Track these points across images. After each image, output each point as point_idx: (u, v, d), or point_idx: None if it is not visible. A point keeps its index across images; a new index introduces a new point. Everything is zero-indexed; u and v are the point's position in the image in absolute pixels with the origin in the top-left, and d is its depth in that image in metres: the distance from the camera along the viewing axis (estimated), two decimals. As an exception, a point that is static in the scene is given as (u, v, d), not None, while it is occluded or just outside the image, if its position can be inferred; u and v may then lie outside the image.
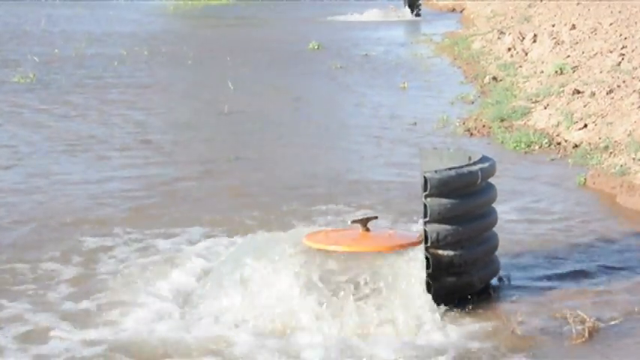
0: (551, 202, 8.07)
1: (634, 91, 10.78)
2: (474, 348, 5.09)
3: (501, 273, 6.03)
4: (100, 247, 6.82)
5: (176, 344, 5.15)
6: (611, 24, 16.78)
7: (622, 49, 13.80)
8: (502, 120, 11.37)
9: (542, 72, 14.02)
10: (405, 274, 5.43)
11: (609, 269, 6.32)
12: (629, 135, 9.47)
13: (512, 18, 22.96)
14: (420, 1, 30.77)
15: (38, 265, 6.44)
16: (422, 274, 5.38)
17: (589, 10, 20.08)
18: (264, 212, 7.68)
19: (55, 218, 7.60)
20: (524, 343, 5.17)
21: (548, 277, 6.15)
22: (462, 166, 5.65)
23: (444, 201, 5.45)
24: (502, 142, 10.42)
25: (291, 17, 30.37)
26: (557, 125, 10.69)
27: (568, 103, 11.27)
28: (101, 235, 7.12)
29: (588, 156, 9.36)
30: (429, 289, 5.37)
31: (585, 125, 10.28)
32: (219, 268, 5.96)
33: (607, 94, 11.01)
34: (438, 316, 5.30)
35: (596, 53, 14.17)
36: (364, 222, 5.77)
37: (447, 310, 5.38)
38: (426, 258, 5.41)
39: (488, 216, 5.87)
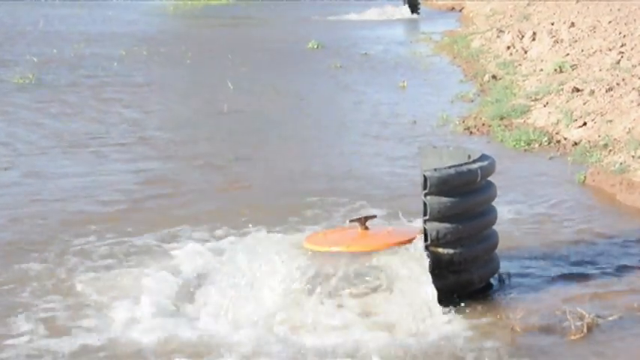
0: (550, 200, 8.07)
1: (633, 88, 10.79)
2: (473, 345, 5.10)
3: (501, 271, 6.04)
4: (98, 246, 6.82)
5: (174, 344, 5.15)
6: (610, 22, 16.79)
7: (621, 47, 13.82)
8: (502, 118, 11.38)
9: (541, 70, 14.03)
10: (404, 272, 5.44)
11: (608, 266, 6.33)
12: (628, 133, 9.48)
13: (511, 16, 22.97)
14: (419, 0, 30.77)
15: (37, 263, 6.45)
16: (422, 272, 5.38)
17: (588, 8, 20.09)
18: (263, 211, 7.68)
19: (51, 216, 7.62)
20: (523, 340, 5.18)
21: (548, 275, 6.17)
22: (461, 165, 5.66)
23: (444, 199, 5.47)
24: (502, 140, 10.43)
25: (291, 17, 30.37)
26: (557, 123, 10.69)
27: (567, 101, 11.28)
28: (99, 233, 7.12)
29: (588, 154, 9.37)
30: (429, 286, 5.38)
31: (585, 123, 10.29)
32: (219, 267, 5.97)
33: (606, 92, 11.02)
34: (437, 313, 5.30)
35: (596, 51, 14.18)
36: (362, 221, 5.78)
37: (446, 308, 5.38)
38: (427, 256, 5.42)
39: (487, 214, 5.88)
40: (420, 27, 26.76)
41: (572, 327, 5.24)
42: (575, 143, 9.95)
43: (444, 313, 5.34)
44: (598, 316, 5.35)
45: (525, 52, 16.16)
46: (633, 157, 8.75)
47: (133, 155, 9.94)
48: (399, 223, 6.38)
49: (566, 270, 6.26)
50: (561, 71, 13.38)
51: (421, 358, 4.98)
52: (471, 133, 10.97)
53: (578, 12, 19.77)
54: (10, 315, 5.59)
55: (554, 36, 16.22)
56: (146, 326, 5.34)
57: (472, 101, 13.20)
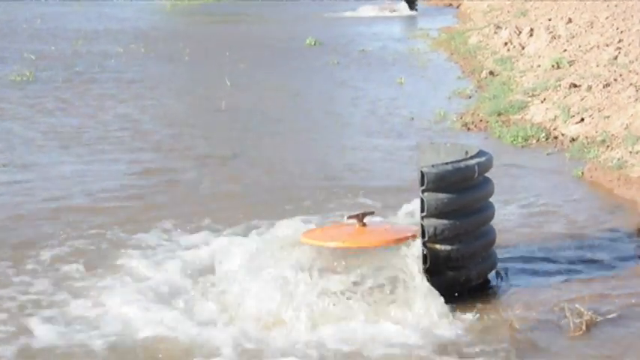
0: (548, 195, 8.07)
1: (630, 84, 10.79)
2: (472, 341, 5.10)
3: (499, 267, 6.04)
4: (96, 245, 6.81)
5: (174, 343, 5.14)
6: (607, 18, 16.78)
7: (618, 42, 13.81)
8: (499, 114, 11.38)
9: (538, 66, 14.02)
10: (403, 269, 5.43)
11: (606, 262, 6.34)
12: (625, 128, 9.48)
13: (508, 12, 22.96)
14: (417, -4, 30.80)
15: (34, 261, 6.44)
16: (419, 269, 5.38)
17: (585, 4, 20.07)
18: (260, 206, 7.68)
19: (48, 214, 7.62)
20: (522, 336, 5.18)
21: (546, 271, 6.17)
22: (458, 161, 5.65)
23: (441, 195, 5.46)
24: (499, 136, 10.43)
25: (289, 14, 30.36)
26: (554, 119, 10.69)
27: (565, 97, 11.28)
28: (96, 231, 7.12)
29: (585, 150, 9.36)
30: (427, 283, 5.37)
31: (582, 119, 10.29)
32: (216, 263, 5.97)
33: (604, 87, 11.02)
34: (436, 310, 5.30)
35: (593, 47, 14.18)
36: (360, 217, 5.78)
37: (444, 305, 5.38)
38: (423, 252, 5.42)
39: (485, 210, 5.87)
40: (418, 23, 26.76)
41: (571, 324, 5.23)
42: (573, 139, 9.95)
43: (441, 310, 5.33)
44: (597, 313, 5.34)
45: (523, 48, 16.15)
46: (630, 152, 8.75)
47: (132, 152, 9.93)
48: (397, 219, 6.39)
49: (564, 266, 6.26)
50: (559, 67, 13.38)
51: (418, 354, 4.98)
52: (468, 129, 10.96)
53: (575, 8, 19.76)
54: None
55: (551, 32, 16.22)
56: (144, 324, 5.33)
57: (470, 97, 13.20)
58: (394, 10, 30.36)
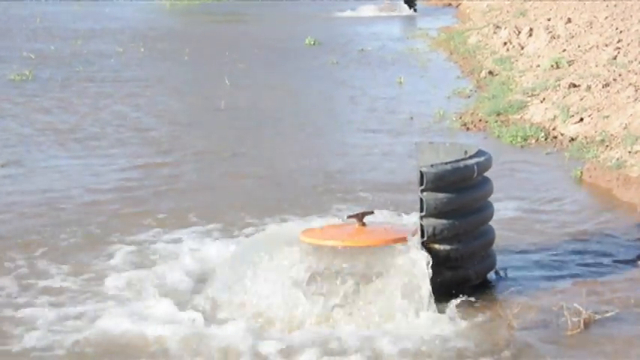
0: (547, 195, 8.08)
1: (630, 84, 10.80)
2: (470, 341, 5.11)
3: (498, 267, 6.05)
4: (94, 243, 6.82)
5: (174, 343, 5.15)
6: (606, 18, 16.79)
7: (618, 42, 13.82)
8: (498, 114, 11.39)
9: (538, 66, 14.03)
10: (402, 269, 5.44)
11: (605, 262, 6.35)
12: (625, 128, 9.49)
13: (508, 12, 22.95)
14: (416, -4, 30.80)
15: (32, 258, 6.46)
16: (418, 268, 5.39)
17: (585, 4, 20.07)
18: (259, 206, 7.69)
19: (45, 212, 7.63)
20: (520, 335, 5.19)
21: (544, 271, 6.18)
22: (458, 160, 5.66)
23: (440, 195, 5.47)
24: (498, 136, 10.44)
25: (288, 14, 30.35)
26: (554, 119, 10.70)
27: (564, 97, 11.29)
28: (95, 229, 7.13)
29: (584, 149, 9.37)
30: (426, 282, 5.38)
31: (581, 119, 10.30)
32: (216, 262, 5.98)
33: (603, 87, 11.03)
34: (434, 309, 5.31)
35: (592, 47, 14.18)
36: (360, 217, 5.79)
37: (443, 304, 5.39)
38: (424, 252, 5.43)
39: (484, 210, 5.88)
40: (417, 23, 26.74)
41: (569, 323, 5.24)
42: (572, 139, 9.96)
43: (440, 310, 5.34)
44: (595, 313, 5.35)
45: (522, 48, 16.16)
46: (630, 152, 8.76)
47: (131, 151, 9.94)
48: (397, 218, 6.40)
49: (562, 266, 6.27)
50: (558, 67, 13.39)
51: (417, 354, 4.98)
52: (467, 129, 10.98)
53: (574, 8, 19.76)
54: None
55: (550, 32, 16.22)
56: (144, 322, 5.34)
57: (469, 97, 13.21)
58: (393, 10, 30.34)
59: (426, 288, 5.33)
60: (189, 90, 14.74)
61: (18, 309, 5.61)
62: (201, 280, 5.92)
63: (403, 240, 5.54)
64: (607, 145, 9.27)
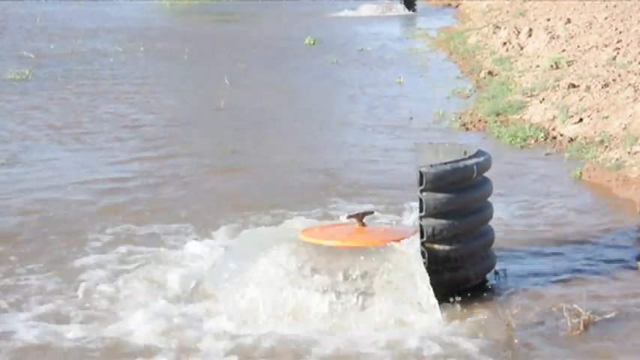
0: (546, 196, 8.08)
1: (629, 84, 10.80)
2: (469, 341, 5.11)
3: (497, 267, 6.05)
4: (93, 242, 6.82)
5: (171, 339, 5.15)
6: (606, 18, 16.79)
7: (617, 43, 13.82)
8: (498, 114, 11.39)
9: (537, 66, 14.03)
10: (402, 268, 5.44)
11: (605, 263, 6.34)
12: (624, 129, 9.49)
13: (507, 12, 22.95)
14: (416, -4, 30.81)
15: (29, 257, 6.46)
16: (419, 269, 5.39)
17: (584, 4, 20.08)
18: (259, 205, 7.69)
19: (42, 211, 7.62)
20: (519, 336, 5.19)
21: (544, 271, 6.17)
22: (457, 161, 5.66)
23: (440, 195, 5.47)
24: (498, 136, 10.44)
25: (288, 13, 30.35)
26: (553, 119, 10.70)
27: (563, 97, 11.29)
28: (93, 228, 7.13)
29: (584, 150, 9.37)
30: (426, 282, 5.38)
31: (581, 119, 10.30)
32: (216, 265, 5.97)
33: (602, 88, 11.03)
34: (433, 310, 5.31)
35: (592, 47, 14.18)
36: (360, 217, 5.79)
37: (442, 304, 5.39)
38: (422, 252, 5.43)
39: (483, 210, 5.88)
40: (417, 23, 26.75)
41: (569, 324, 5.24)
42: (571, 139, 9.96)
43: (439, 310, 5.33)
44: (594, 313, 5.35)
45: (521, 48, 16.16)
46: (629, 153, 8.76)
47: (130, 150, 9.94)
48: (396, 218, 6.40)
49: (562, 266, 6.27)
50: (557, 67, 13.39)
51: (416, 354, 4.98)
52: (467, 129, 10.98)
53: (574, 8, 19.76)
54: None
55: (550, 32, 16.22)
56: (144, 322, 5.33)
57: (468, 97, 13.22)
58: (393, 10, 30.35)
59: (426, 288, 5.33)
60: (188, 89, 14.74)
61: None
62: (197, 277, 5.91)
63: (403, 240, 5.53)
64: (606, 146, 9.27)
